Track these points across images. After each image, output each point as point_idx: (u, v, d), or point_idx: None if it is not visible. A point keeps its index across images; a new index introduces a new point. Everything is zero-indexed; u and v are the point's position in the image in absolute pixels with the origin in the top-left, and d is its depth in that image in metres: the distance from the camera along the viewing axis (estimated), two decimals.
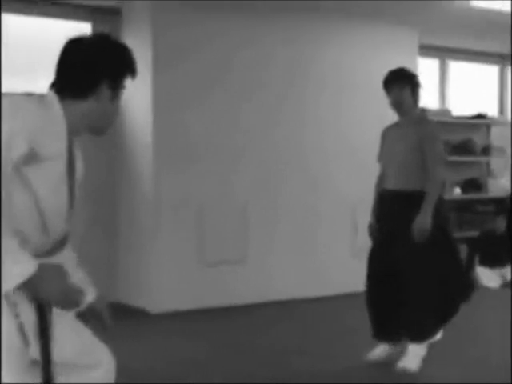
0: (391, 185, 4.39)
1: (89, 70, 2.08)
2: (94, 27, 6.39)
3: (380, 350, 4.36)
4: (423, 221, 4.10)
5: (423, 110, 4.85)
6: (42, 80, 5.44)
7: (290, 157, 6.61)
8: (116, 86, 2.14)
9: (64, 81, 2.08)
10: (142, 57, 6.02)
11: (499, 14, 6.73)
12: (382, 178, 4.57)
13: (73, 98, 2.05)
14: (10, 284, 1.79)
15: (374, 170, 4.77)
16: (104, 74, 2.11)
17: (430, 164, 4.24)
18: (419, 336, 4.24)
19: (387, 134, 4.55)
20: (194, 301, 6.07)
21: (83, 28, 6.24)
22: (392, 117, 4.60)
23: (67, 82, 2.08)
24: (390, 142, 4.46)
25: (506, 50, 8.47)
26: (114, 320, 2.25)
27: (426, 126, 4.41)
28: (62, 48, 2.11)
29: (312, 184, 6.67)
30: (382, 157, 4.57)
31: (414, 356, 4.22)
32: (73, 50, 2.11)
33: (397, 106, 4.35)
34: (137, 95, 6.08)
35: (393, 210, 4.32)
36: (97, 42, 2.15)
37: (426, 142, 4.26)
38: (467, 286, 4.34)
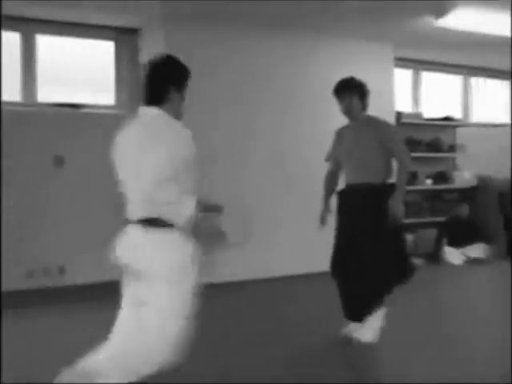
0: (352, 180, 4.45)
1: (161, 83, 2.75)
2: (116, 46, 6.82)
3: (351, 328, 4.40)
4: (396, 206, 4.16)
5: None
6: (79, 93, 6.25)
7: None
8: (181, 89, 2.82)
9: (149, 95, 2.78)
10: None
11: (461, 32, 7.01)
12: (332, 175, 4.67)
13: (159, 105, 2.76)
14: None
15: None
16: (171, 83, 2.77)
17: (398, 157, 4.30)
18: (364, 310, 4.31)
19: (342, 135, 4.56)
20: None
21: (107, 46, 6.81)
22: None
23: (151, 95, 2.77)
24: (347, 142, 4.48)
25: (469, 62, 9.08)
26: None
27: (382, 126, 4.42)
28: (145, 72, 2.79)
29: (291, 179, 7.01)
30: (335, 155, 4.60)
31: (369, 328, 4.28)
32: (148, 71, 2.78)
33: (347, 112, 4.44)
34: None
35: (355, 201, 4.33)
36: (162, 61, 2.80)
37: (389, 139, 4.32)
38: (406, 271, 4.27)
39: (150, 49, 6.69)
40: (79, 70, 6.74)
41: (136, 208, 2.78)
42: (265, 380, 3.61)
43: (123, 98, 6.95)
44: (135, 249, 2.74)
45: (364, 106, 4.48)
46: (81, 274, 6.50)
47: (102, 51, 6.88)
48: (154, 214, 2.66)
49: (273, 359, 4.00)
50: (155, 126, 2.73)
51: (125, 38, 6.87)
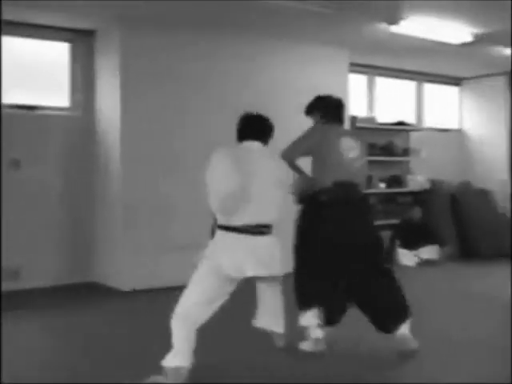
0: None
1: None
2: (71, 48, 6.77)
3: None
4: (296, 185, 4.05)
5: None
6: (34, 94, 6.18)
7: None
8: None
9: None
10: (112, 74, 6.52)
11: (414, 39, 7.12)
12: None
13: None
14: None
15: None
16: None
17: None
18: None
19: (328, 136, 4.27)
20: (161, 279, 6.35)
21: (62, 48, 6.74)
22: None
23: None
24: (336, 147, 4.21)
25: (422, 68, 9.31)
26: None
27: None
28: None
29: None
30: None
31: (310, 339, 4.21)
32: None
33: None
34: (108, 108, 6.60)
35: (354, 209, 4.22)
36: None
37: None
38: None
39: (106, 51, 6.69)
40: (34, 71, 6.69)
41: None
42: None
43: (78, 99, 6.90)
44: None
45: (328, 119, 4.39)
46: (36, 277, 6.46)
47: (58, 53, 6.83)
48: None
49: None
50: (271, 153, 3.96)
51: (80, 39, 6.84)
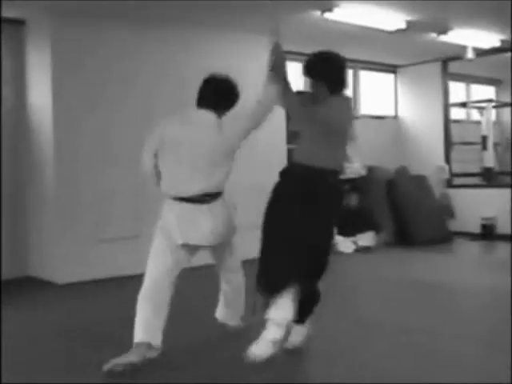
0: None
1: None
2: (0, 38, 6.53)
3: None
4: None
5: None
6: None
7: None
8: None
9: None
10: (43, 63, 6.40)
11: (350, 25, 7.10)
12: None
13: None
14: None
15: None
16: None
17: None
18: None
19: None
20: (95, 272, 6.39)
21: None
22: None
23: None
24: None
25: (357, 56, 9.13)
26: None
27: None
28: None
29: None
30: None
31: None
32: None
33: None
34: (39, 98, 6.49)
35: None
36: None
37: None
38: None
39: (36, 41, 6.55)
40: None
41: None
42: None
43: (7, 91, 6.69)
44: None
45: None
46: None
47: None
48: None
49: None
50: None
51: (10, 29, 6.62)
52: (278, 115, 6.25)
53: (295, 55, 8.66)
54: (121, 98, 6.75)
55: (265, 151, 7.62)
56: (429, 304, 5.31)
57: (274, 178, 3.73)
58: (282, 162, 6.26)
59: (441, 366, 3.61)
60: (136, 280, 3.86)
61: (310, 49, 3.90)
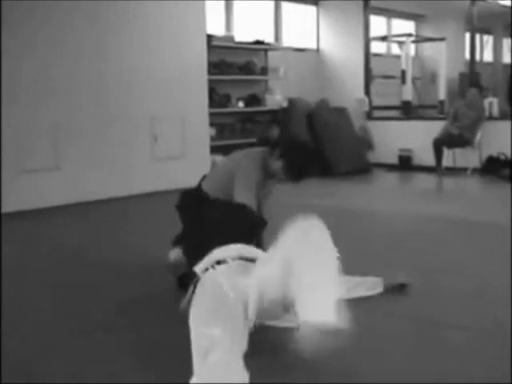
0: None
1: None
2: None
3: None
4: None
5: None
6: None
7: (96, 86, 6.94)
8: None
9: None
10: None
11: None
12: None
13: None
14: None
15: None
16: None
17: None
18: None
19: None
20: (18, 203, 6.32)
21: None
22: None
23: None
24: None
25: None
26: None
27: None
28: None
29: (115, 106, 7.13)
30: None
31: None
32: None
33: None
34: None
35: None
36: None
37: None
38: None
39: None
40: None
41: None
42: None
43: None
44: None
45: None
46: None
47: None
48: None
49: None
50: None
51: None
52: None
53: None
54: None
55: None
56: (358, 230, 5.36)
57: None
58: None
59: None
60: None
61: None
